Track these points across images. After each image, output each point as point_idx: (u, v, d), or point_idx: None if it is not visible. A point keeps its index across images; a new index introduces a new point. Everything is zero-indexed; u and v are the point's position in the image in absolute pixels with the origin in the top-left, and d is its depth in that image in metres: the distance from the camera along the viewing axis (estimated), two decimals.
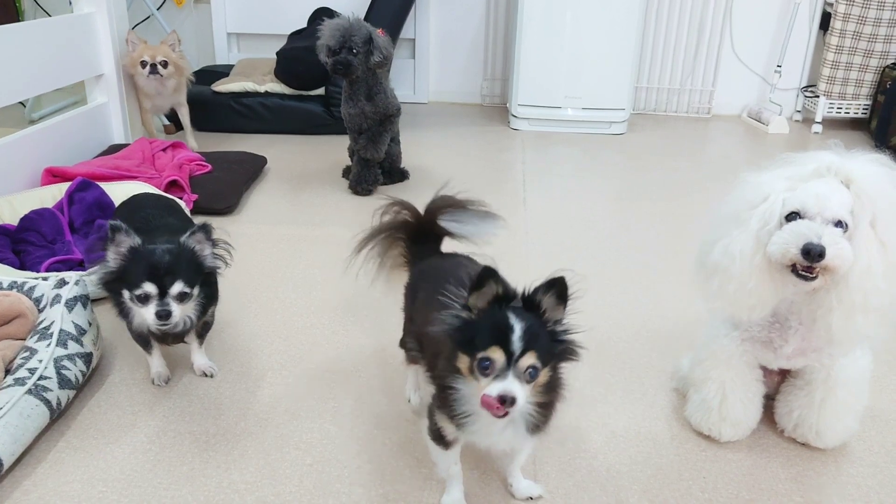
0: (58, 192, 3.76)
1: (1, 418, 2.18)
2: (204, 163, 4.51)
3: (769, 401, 2.48)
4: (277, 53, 5.80)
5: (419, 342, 2.21)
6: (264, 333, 2.96)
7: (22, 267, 3.24)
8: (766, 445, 2.40)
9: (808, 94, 6.65)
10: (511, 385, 1.64)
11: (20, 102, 5.67)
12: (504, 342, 1.66)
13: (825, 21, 6.36)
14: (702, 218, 2.29)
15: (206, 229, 2.39)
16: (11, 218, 3.55)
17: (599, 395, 2.63)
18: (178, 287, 2.30)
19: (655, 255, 3.82)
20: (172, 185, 4.11)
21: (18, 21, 6.32)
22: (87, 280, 2.78)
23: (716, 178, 5.12)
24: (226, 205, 4.16)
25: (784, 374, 2.45)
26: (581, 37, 5.92)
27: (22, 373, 2.36)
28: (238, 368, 2.73)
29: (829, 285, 2.01)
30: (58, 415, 2.40)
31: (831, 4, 6.21)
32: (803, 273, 1.98)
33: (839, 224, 1.96)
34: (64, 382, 2.42)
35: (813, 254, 1.92)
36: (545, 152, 5.69)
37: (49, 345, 2.47)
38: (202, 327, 2.64)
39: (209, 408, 2.51)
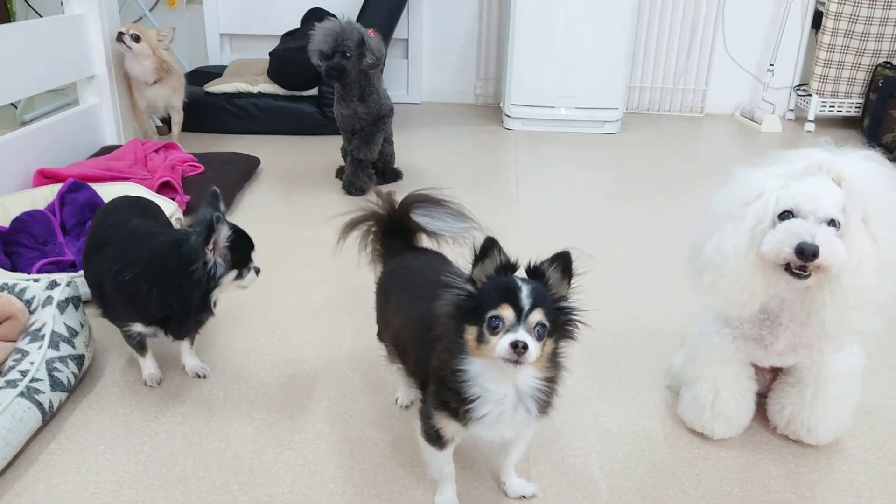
0: (49, 193, 3.75)
1: None
2: (196, 164, 4.50)
3: (761, 398, 2.48)
4: (270, 54, 5.79)
5: (396, 347, 2.22)
6: (257, 334, 2.96)
7: (13, 269, 3.23)
8: (759, 442, 2.41)
9: (800, 92, 6.65)
10: (522, 335, 1.66)
11: (12, 104, 5.66)
12: (513, 300, 1.68)
13: (817, 20, 6.36)
14: (694, 217, 2.31)
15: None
16: (3, 219, 3.53)
17: (593, 393, 2.63)
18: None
19: (648, 253, 3.83)
20: (165, 187, 4.11)
21: (10, 22, 6.31)
22: (78, 282, 2.77)
23: (709, 176, 5.13)
24: None
25: (776, 372, 2.46)
26: (574, 36, 5.91)
27: (13, 375, 2.36)
28: (230, 369, 2.72)
29: (822, 282, 2.01)
30: (50, 417, 2.40)
31: (823, 3, 6.22)
32: (797, 272, 1.99)
33: (832, 223, 1.97)
34: (56, 384, 2.41)
35: (807, 253, 1.93)
36: (539, 152, 5.69)
37: (41, 347, 2.47)
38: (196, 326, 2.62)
39: (201, 409, 2.51)
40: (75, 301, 2.67)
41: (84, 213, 3.63)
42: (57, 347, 2.49)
